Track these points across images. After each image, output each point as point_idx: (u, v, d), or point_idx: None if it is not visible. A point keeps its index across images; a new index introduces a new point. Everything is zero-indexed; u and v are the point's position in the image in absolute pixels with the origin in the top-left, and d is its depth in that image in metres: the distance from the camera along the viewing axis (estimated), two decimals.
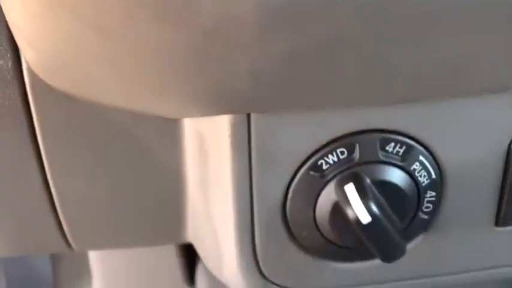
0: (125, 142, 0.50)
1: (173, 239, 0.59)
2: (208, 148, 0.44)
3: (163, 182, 0.52)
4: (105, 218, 0.58)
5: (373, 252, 0.43)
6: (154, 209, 0.55)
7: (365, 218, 0.41)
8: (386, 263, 0.48)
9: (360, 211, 0.41)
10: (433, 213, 0.46)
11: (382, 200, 0.43)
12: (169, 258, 0.79)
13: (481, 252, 0.49)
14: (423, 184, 0.43)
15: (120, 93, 0.39)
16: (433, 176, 0.44)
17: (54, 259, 1.24)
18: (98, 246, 0.66)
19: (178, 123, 0.48)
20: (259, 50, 0.33)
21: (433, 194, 0.45)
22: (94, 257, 0.87)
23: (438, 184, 0.44)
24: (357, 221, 0.41)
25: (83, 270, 0.97)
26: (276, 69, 0.34)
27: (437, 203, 0.45)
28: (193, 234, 0.56)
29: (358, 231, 0.41)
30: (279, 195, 0.44)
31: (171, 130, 0.48)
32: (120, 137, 0.48)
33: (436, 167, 0.44)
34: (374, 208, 0.41)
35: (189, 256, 0.78)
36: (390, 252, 0.44)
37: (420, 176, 0.43)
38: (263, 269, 0.48)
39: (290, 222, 0.46)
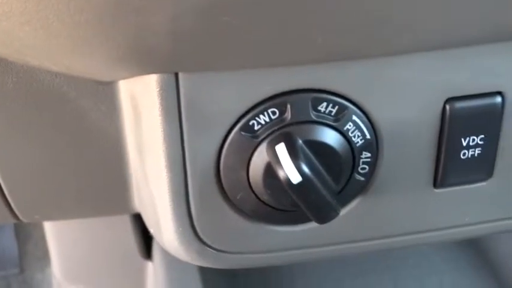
0: (61, 106, 0.49)
1: (121, 209, 0.59)
2: (141, 111, 0.44)
3: (104, 149, 0.52)
4: (47, 186, 0.57)
5: (306, 214, 0.43)
6: (97, 177, 0.55)
7: (295, 178, 0.41)
8: (324, 226, 0.48)
9: (290, 171, 0.41)
10: (370, 175, 0.46)
11: (314, 161, 0.43)
12: (126, 233, 0.79)
13: (420, 214, 0.49)
14: (357, 145, 0.43)
15: (42, 51, 0.39)
16: (368, 136, 0.43)
17: (21, 240, 1.25)
18: (45, 216, 0.65)
19: (114, 88, 0.48)
20: (175, 3, 0.33)
21: (369, 155, 0.44)
22: (50, 233, 0.88)
23: (373, 145, 0.44)
24: (288, 181, 0.41)
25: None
26: (193, 24, 0.34)
27: (373, 165, 0.45)
28: (138, 203, 0.56)
29: (289, 192, 0.41)
30: (212, 157, 0.44)
31: (106, 95, 0.47)
32: (56, 101, 0.47)
33: (371, 128, 0.44)
34: (305, 168, 0.41)
35: (146, 230, 0.78)
36: (323, 213, 0.43)
37: (354, 137, 0.43)
38: (199, 233, 0.48)
39: (224, 185, 0.45)
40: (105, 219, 0.80)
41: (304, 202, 0.42)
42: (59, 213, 0.62)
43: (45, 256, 1.09)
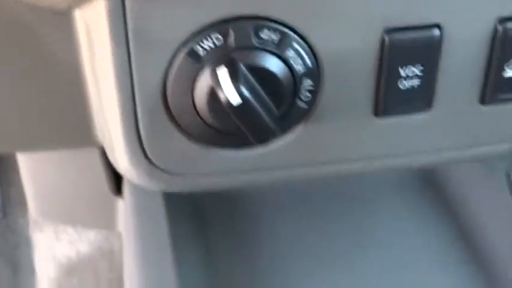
0: (21, 35, 0.50)
1: (85, 140, 0.60)
2: (93, 38, 0.46)
3: (64, 78, 0.53)
4: (10, 115, 0.58)
5: (247, 135, 0.45)
6: (59, 107, 0.57)
7: (235, 100, 0.43)
8: (269, 152, 0.50)
9: (230, 93, 0.43)
10: (312, 103, 0.48)
11: (255, 85, 0.44)
12: (96, 170, 0.80)
13: (363, 142, 0.52)
14: (299, 72, 0.45)
15: None
16: (309, 64, 0.45)
17: (4, 186, 1.26)
18: (11, 147, 0.66)
19: (71, 17, 0.49)
20: None
21: (311, 83, 0.46)
22: (24, 172, 0.89)
23: (315, 73, 0.46)
24: (228, 103, 0.43)
25: None
26: None
27: (315, 92, 0.47)
28: (101, 134, 0.57)
29: (230, 114, 0.43)
30: (158, 81, 0.46)
31: (64, 24, 0.49)
32: (16, 30, 0.48)
33: (312, 56, 0.46)
34: (244, 91, 0.43)
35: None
36: (261, 135, 0.46)
37: (295, 64, 0.45)
38: (149, 156, 0.49)
39: (171, 108, 0.47)
40: (77, 156, 0.82)
41: (243, 124, 0.44)
42: (23, 144, 0.64)
43: (27, 202, 1.10)
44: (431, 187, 0.81)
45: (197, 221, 0.77)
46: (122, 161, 0.51)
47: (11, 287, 1.13)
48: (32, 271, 0.98)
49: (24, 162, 0.89)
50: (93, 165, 0.80)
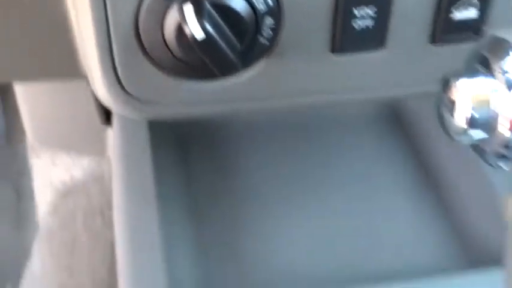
0: None
1: (72, 72, 0.63)
2: None
3: (48, 10, 0.56)
4: (20, 40, 0.59)
5: (211, 68, 0.48)
6: (45, 38, 0.59)
7: (199, 35, 0.45)
8: (235, 84, 0.52)
9: (195, 28, 0.45)
10: (273, 40, 0.50)
11: (219, 21, 0.47)
12: (87, 100, 0.82)
13: (322, 77, 0.54)
14: (261, 11, 0.48)
15: None
16: (271, 3, 0.48)
17: (9, 113, 1.28)
18: (14, 76, 0.68)
19: None
20: None
21: (272, 21, 0.49)
22: (22, 101, 0.92)
23: (276, 12, 0.49)
24: (193, 37, 0.45)
25: None
26: None
27: (276, 30, 0.50)
28: (84, 65, 0.60)
29: (195, 48, 0.46)
30: (131, 16, 0.48)
31: None
32: None
33: None
34: (208, 26, 0.45)
35: None
36: (224, 68, 0.48)
37: (258, 3, 0.47)
38: (125, 86, 0.52)
39: (144, 42, 0.50)
40: (69, 89, 0.84)
41: (207, 57, 0.47)
42: (13, 75, 0.66)
43: None
44: (395, 122, 0.82)
45: (179, 149, 0.79)
46: (101, 91, 0.54)
47: (15, 211, 1.14)
48: (32, 196, 1.02)
49: (21, 93, 0.91)
50: (84, 97, 0.81)
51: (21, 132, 1.13)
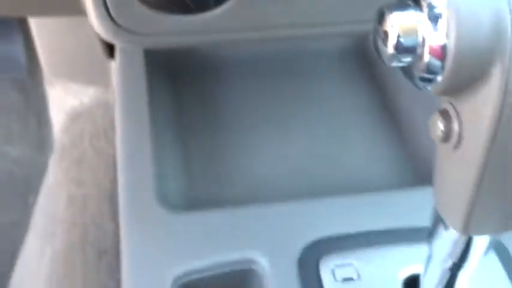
0: None
1: (74, 9, 0.62)
2: None
3: None
4: None
5: (188, 3, 0.49)
6: None
7: None
8: (214, 17, 0.53)
9: None
10: None
11: None
12: (92, 36, 0.79)
13: (289, 11, 0.55)
14: None
15: None
16: None
17: (30, 48, 1.29)
18: (27, 11, 0.67)
19: None
20: None
21: None
22: (36, 36, 0.91)
23: None
24: None
25: None
26: None
27: None
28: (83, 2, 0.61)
29: None
30: None
31: None
32: None
33: None
34: None
35: None
36: (199, 3, 0.49)
37: None
38: (115, 19, 0.53)
39: None
40: (76, 26, 0.83)
41: None
42: (22, 8, 0.65)
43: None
44: (364, 60, 0.82)
45: (173, 81, 0.79)
46: (95, 23, 0.55)
47: (37, 135, 1.16)
48: (50, 121, 1.04)
49: (36, 29, 0.91)
50: (90, 34, 0.83)
51: (39, 65, 1.13)
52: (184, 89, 0.78)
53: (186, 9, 0.53)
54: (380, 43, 0.38)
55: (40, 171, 0.98)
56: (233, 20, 0.56)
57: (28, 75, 1.23)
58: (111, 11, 0.54)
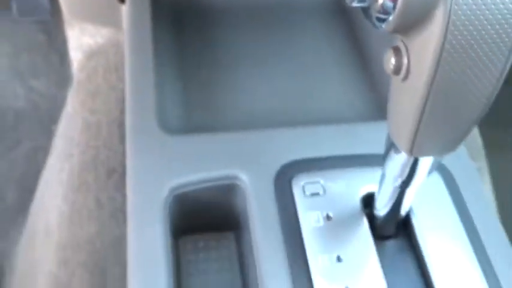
0: None
1: None
2: None
3: None
4: None
5: None
6: None
7: None
8: None
9: None
10: None
11: None
12: None
13: None
14: None
15: None
16: None
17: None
18: None
19: None
20: None
21: None
22: None
23: None
24: None
25: None
26: None
27: None
28: None
29: None
30: None
31: None
32: None
33: None
34: None
35: None
36: None
37: None
38: None
39: None
40: None
41: None
42: None
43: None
44: (342, 15, 0.81)
45: (176, 24, 0.78)
46: None
47: (59, 72, 1.18)
48: (70, 60, 1.00)
49: None
50: None
51: (60, 9, 1.09)
52: (185, 31, 0.77)
53: None
54: None
55: (61, 102, 0.98)
56: None
57: (51, 17, 1.21)
58: None
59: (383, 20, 0.38)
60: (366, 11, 0.39)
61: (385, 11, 0.37)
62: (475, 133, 0.90)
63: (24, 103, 1.17)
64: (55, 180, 0.83)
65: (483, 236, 0.55)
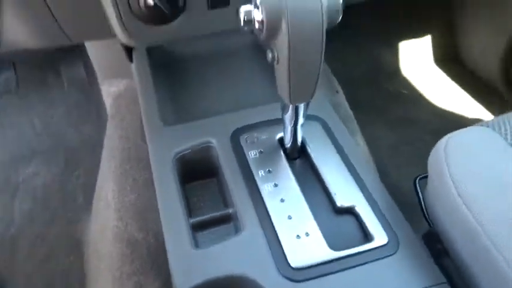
0: None
1: (110, 32, 0.65)
2: None
3: None
4: (84, 13, 0.60)
5: (161, 18, 0.55)
6: (97, 11, 0.59)
7: (151, 3, 0.53)
8: (173, 25, 0.59)
9: (150, 1, 0.52)
10: (184, 5, 0.55)
11: None
12: (119, 51, 0.79)
13: (211, 22, 0.59)
14: None
15: None
16: None
17: (87, 68, 1.21)
18: (84, 37, 0.67)
19: None
20: None
21: None
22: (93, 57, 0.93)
23: None
24: (149, 3, 0.52)
25: None
26: None
27: (185, 2, 0.55)
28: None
29: (152, 8, 0.53)
30: None
31: None
32: None
33: None
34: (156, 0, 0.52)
35: (129, 48, 0.78)
36: (164, 18, 0.55)
37: None
38: (126, 28, 0.56)
39: (131, 7, 0.55)
40: (111, 46, 0.83)
41: (157, 13, 0.54)
42: (92, 35, 0.64)
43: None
44: (261, 51, 0.77)
45: (166, 66, 0.77)
46: (120, 35, 0.59)
47: (96, 115, 1.18)
48: (104, 105, 1.04)
49: (90, 50, 0.93)
50: (118, 50, 0.80)
51: (94, 73, 1.09)
52: (171, 70, 0.76)
53: (160, 21, 0.55)
54: (239, 22, 0.45)
55: (100, 134, 0.98)
56: (185, 25, 0.58)
57: (88, 82, 1.24)
58: (125, 23, 0.56)
59: (260, 35, 0.45)
60: (252, 32, 0.46)
61: (259, 30, 0.45)
62: (348, 110, 0.91)
63: (77, 143, 1.17)
64: (107, 174, 0.84)
65: (346, 151, 0.58)
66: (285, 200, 0.53)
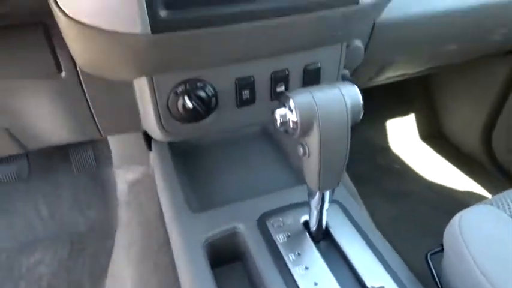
0: None
1: (136, 127, 0.65)
2: None
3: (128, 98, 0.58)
4: (121, 109, 0.60)
5: (196, 117, 0.58)
6: (129, 109, 0.60)
7: (190, 105, 0.55)
8: (205, 123, 0.58)
9: (189, 104, 0.55)
10: (216, 104, 0.57)
11: (198, 101, 0.55)
12: (139, 137, 0.84)
13: (238, 118, 0.60)
14: (211, 96, 0.56)
15: None
16: (213, 93, 0.55)
17: (97, 145, 1.17)
18: (116, 131, 0.67)
19: None
20: None
21: (215, 100, 0.56)
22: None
23: (215, 96, 0.56)
24: (188, 106, 0.56)
25: None
26: None
27: (217, 101, 0.57)
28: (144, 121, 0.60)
29: (191, 110, 0.56)
30: (165, 102, 0.55)
31: None
32: None
33: (213, 91, 0.56)
34: (194, 103, 0.56)
35: (148, 137, 0.80)
36: (200, 117, 0.57)
37: (210, 94, 0.55)
38: (165, 127, 0.57)
39: (170, 109, 0.57)
40: (132, 140, 0.84)
41: (195, 113, 0.56)
42: (123, 129, 0.64)
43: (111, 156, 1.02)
44: (268, 136, 0.85)
45: (185, 154, 0.80)
46: (156, 133, 0.61)
47: (106, 201, 1.13)
48: (115, 191, 1.01)
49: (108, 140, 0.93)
50: (138, 137, 0.84)
51: (101, 159, 1.11)
52: (190, 158, 0.78)
53: (196, 119, 0.58)
54: (275, 122, 0.49)
55: (108, 219, 0.97)
56: (216, 122, 0.60)
57: (96, 167, 1.21)
58: (164, 124, 0.58)
59: (293, 134, 0.48)
60: (286, 131, 0.48)
61: (293, 130, 0.48)
62: (352, 187, 0.93)
63: (84, 228, 1.10)
64: (123, 261, 0.80)
65: (365, 231, 0.60)
66: (318, 284, 0.53)
